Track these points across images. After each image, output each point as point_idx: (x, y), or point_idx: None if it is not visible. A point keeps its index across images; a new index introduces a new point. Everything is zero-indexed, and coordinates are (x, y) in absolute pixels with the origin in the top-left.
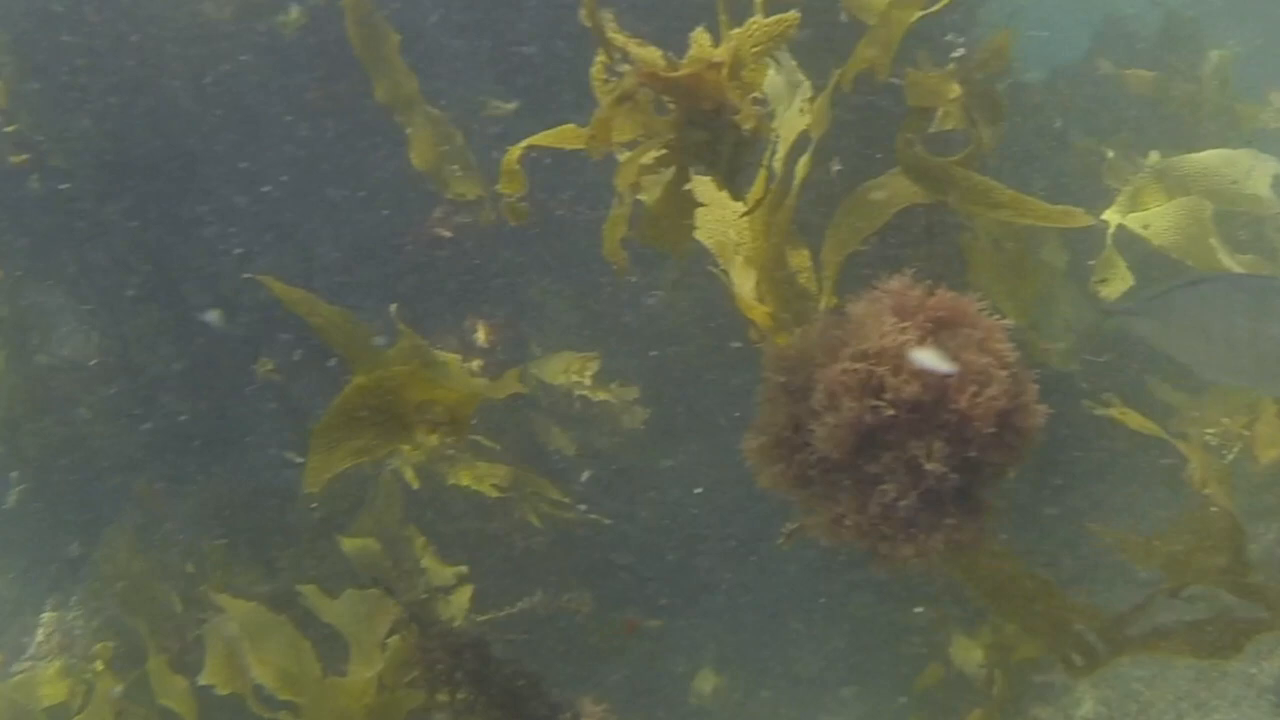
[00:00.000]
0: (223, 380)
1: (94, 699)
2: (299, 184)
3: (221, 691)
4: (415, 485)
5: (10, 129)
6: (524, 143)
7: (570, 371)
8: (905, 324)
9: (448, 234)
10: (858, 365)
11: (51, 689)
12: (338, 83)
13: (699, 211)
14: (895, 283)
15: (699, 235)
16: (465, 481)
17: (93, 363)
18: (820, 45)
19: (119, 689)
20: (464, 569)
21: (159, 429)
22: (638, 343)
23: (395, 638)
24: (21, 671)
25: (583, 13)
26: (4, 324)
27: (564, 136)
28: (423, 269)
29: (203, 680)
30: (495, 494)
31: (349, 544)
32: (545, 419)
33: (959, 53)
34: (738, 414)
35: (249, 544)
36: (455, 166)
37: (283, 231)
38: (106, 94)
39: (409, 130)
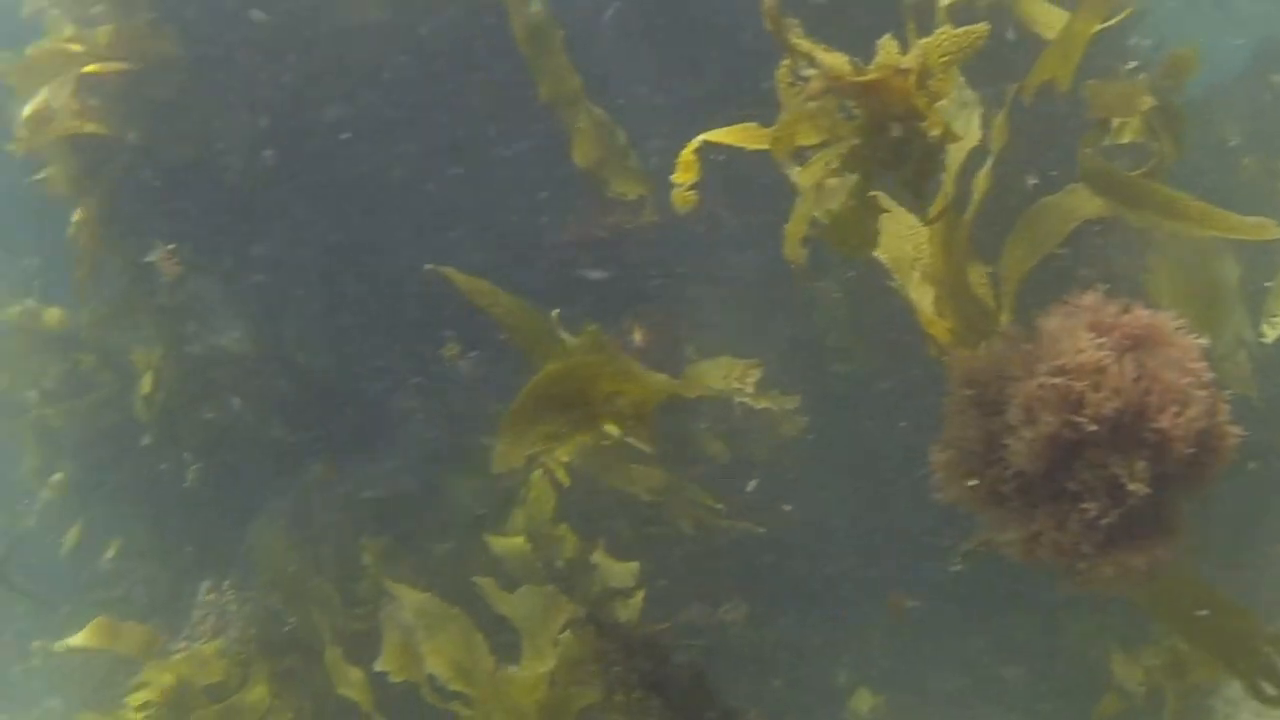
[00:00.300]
0: (375, 374)
1: (251, 680)
2: (458, 181)
3: (396, 679)
4: (566, 483)
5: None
6: (703, 136)
7: (730, 378)
8: (1102, 340)
9: (604, 234)
10: (1056, 380)
11: (209, 668)
12: (500, 80)
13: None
14: (1088, 298)
15: (876, 250)
16: (619, 484)
17: (248, 354)
18: (982, 62)
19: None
20: (635, 565)
21: (311, 420)
22: (795, 349)
23: (567, 634)
24: (178, 650)
25: (766, 19)
26: (165, 313)
27: (745, 135)
28: (579, 268)
29: (379, 667)
30: (649, 497)
31: (498, 542)
32: (702, 424)
33: (1132, 65)
34: (903, 424)
35: (401, 538)
36: (621, 164)
37: (440, 228)
38: (272, 91)
39: (571, 128)
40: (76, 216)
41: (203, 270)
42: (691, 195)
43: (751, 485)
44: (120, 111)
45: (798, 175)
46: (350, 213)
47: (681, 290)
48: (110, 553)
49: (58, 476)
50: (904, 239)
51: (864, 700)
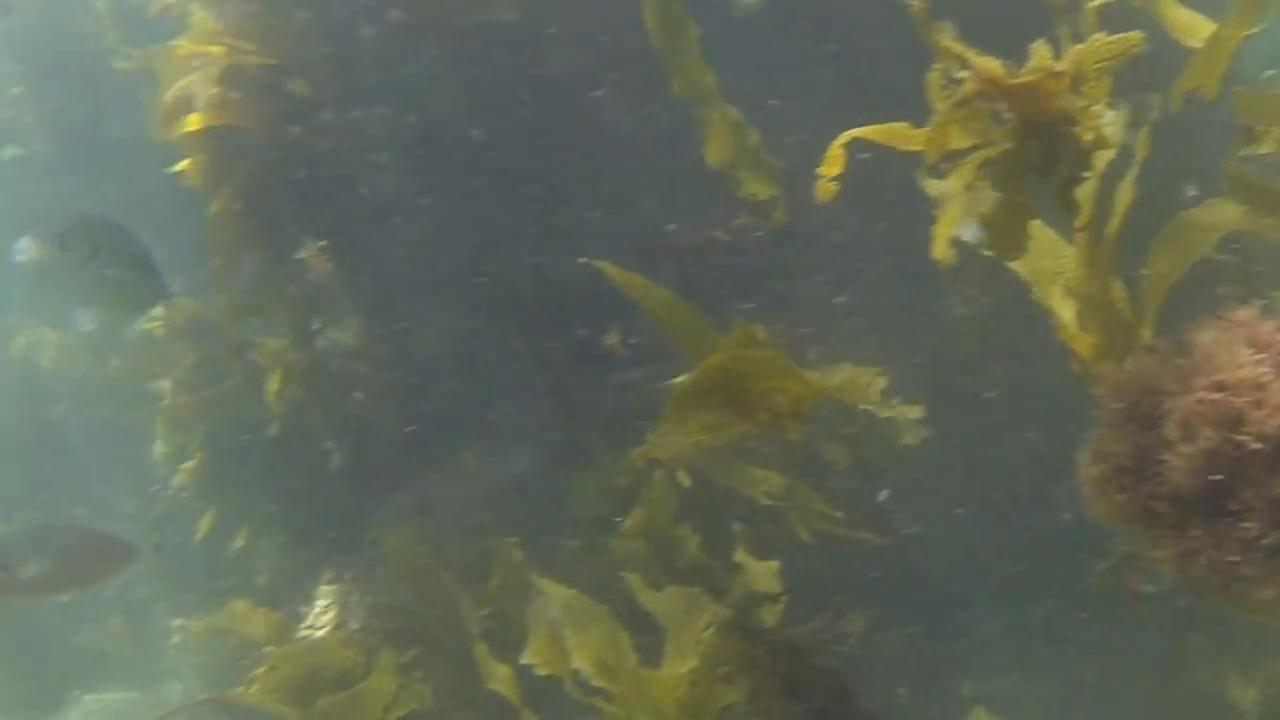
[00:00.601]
0: (498, 372)
1: (377, 668)
2: (584, 180)
3: (541, 672)
4: (686, 483)
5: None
6: (852, 132)
7: (858, 385)
8: (1262, 356)
9: (728, 236)
10: (1216, 395)
11: (335, 656)
12: (631, 78)
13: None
14: (1243, 313)
15: (1014, 265)
16: (738, 485)
17: (372, 349)
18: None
19: None
20: (777, 564)
21: (434, 417)
22: (922, 357)
23: (709, 634)
24: (301, 639)
25: (916, 22)
26: (292, 304)
27: (896, 135)
28: (703, 269)
29: (525, 659)
30: (769, 502)
31: (618, 544)
32: (821, 431)
33: (1270, 73)
34: (1031, 435)
35: (526, 535)
36: (754, 164)
37: (565, 227)
38: (405, 88)
39: (704, 126)
40: (213, 209)
41: (331, 265)
42: (834, 186)
43: (883, 495)
44: (259, 106)
45: (934, 184)
46: (475, 210)
47: (805, 294)
48: (239, 541)
49: (189, 464)
50: (1044, 252)
51: (981, 718)
